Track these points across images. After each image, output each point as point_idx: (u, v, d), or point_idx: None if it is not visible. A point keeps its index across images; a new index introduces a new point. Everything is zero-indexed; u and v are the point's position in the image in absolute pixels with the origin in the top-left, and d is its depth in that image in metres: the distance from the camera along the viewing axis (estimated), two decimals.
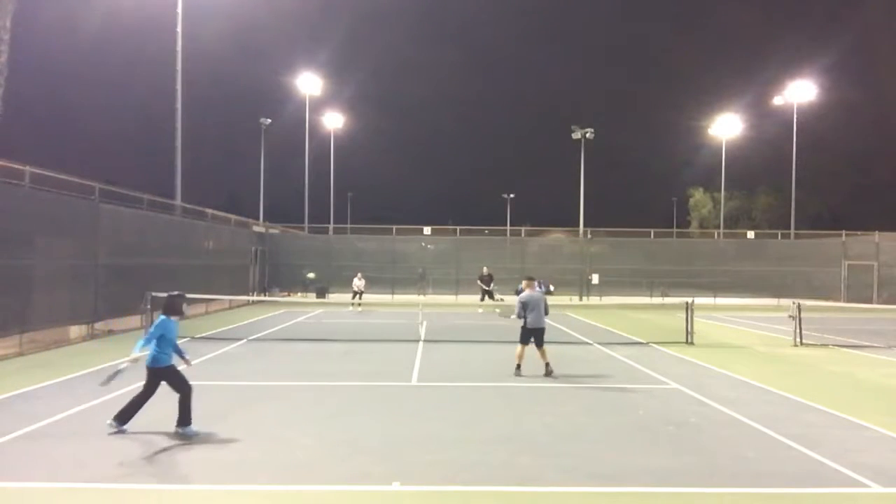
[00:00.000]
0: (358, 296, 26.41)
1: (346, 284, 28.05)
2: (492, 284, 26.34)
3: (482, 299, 25.97)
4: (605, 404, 9.54)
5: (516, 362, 11.67)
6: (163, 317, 7.92)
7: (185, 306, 8.22)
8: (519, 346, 11.68)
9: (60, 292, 14.98)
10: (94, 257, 16.34)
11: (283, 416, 8.57)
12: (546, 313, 11.62)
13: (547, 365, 11.51)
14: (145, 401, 7.68)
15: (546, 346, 11.81)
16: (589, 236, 37.11)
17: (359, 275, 26.82)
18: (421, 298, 26.81)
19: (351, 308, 26.08)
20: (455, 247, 35.54)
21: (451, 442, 7.42)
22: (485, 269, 26.74)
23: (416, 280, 34.01)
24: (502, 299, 30.69)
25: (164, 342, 7.71)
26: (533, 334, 11.55)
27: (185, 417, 7.57)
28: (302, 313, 24.09)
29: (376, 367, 12.47)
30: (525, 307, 11.47)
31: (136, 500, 5.71)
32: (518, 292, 30.79)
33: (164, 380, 7.69)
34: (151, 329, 7.86)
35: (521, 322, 11.71)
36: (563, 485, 6.11)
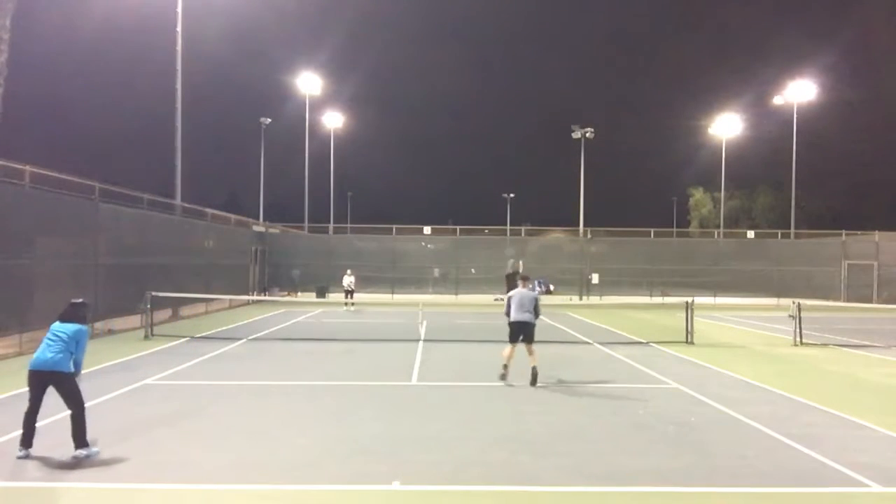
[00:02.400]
0: (350, 294, 26.05)
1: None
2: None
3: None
4: (605, 404, 9.54)
5: (503, 363, 10.87)
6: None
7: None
8: (508, 347, 10.92)
9: (60, 292, 14.93)
10: (94, 257, 16.33)
11: (283, 416, 8.57)
12: (536, 314, 10.93)
13: (533, 368, 10.65)
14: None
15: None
16: (589, 236, 37.12)
17: (348, 271, 26.54)
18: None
19: (345, 308, 25.81)
20: (455, 247, 35.53)
21: (451, 442, 7.42)
22: (511, 265, 25.97)
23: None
24: (502, 299, 30.69)
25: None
26: (520, 330, 10.85)
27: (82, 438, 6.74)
28: (301, 313, 24.09)
29: (376, 367, 12.46)
30: (510, 301, 11.04)
31: (136, 499, 5.71)
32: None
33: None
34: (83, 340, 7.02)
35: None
36: (563, 485, 6.11)
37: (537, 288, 33.13)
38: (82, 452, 6.60)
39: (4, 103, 16.80)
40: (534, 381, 10.55)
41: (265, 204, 48.11)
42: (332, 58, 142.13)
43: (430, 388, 10.64)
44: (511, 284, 25.42)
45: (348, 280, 26.18)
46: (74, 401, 6.73)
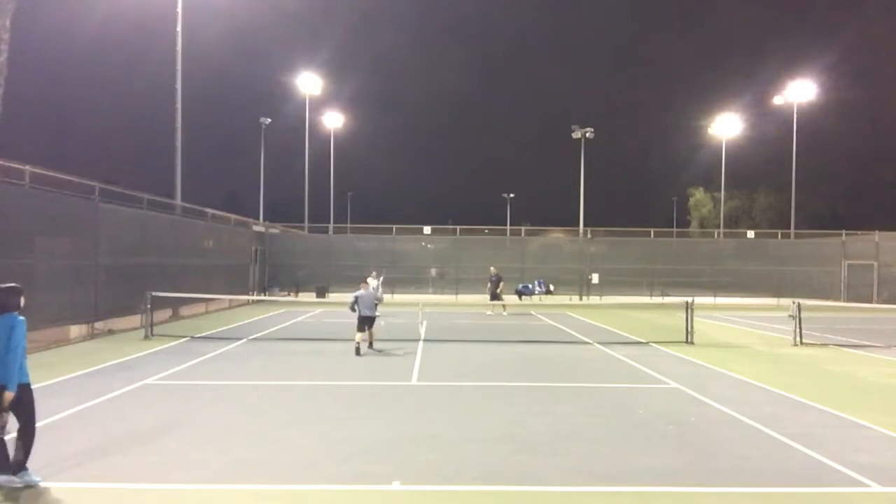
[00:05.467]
0: None
1: (345, 284, 27.92)
2: (501, 285, 25.10)
3: (492, 299, 25.08)
4: (605, 404, 9.54)
5: (355, 345, 13.77)
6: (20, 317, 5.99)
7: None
8: (357, 334, 13.90)
9: (60, 292, 14.96)
10: (94, 257, 16.33)
11: (283, 416, 8.57)
12: (376, 307, 14.66)
13: (371, 344, 14.37)
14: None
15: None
16: (589, 236, 37.11)
17: (373, 273, 24.97)
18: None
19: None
20: (455, 247, 35.53)
21: (451, 442, 7.42)
22: (492, 269, 25.57)
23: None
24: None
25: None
26: (366, 321, 14.12)
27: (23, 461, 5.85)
28: (301, 313, 24.09)
29: (376, 367, 12.47)
30: (357, 301, 14.18)
31: (136, 499, 5.71)
32: (518, 292, 31.06)
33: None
34: (21, 340, 5.87)
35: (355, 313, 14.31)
36: (563, 484, 6.11)
37: (538, 288, 33.16)
38: (15, 480, 5.75)
39: (4, 103, 16.78)
40: (370, 345, 14.33)
41: (265, 204, 48.09)
42: (332, 58, 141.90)
43: (430, 388, 10.65)
44: (494, 288, 25.11)
45: (374, 283, 24.43)
46: (25, 418, 5.85)
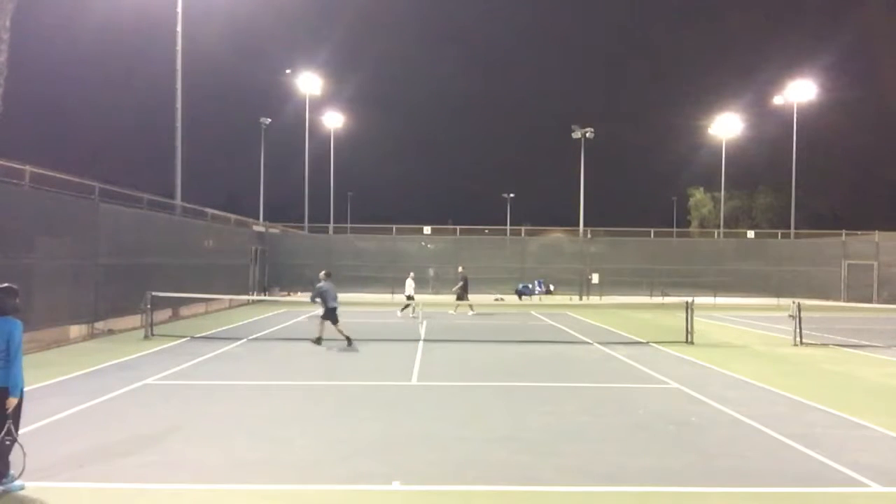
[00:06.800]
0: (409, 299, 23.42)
1: (345, 284, 27.85)
2: (460, 285, 24.70)
3: (458, 299, 24.75)
4: (604, 404, 9.54)
5: (318, 335, 15.14)
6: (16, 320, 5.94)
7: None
8: (324, 323, 15.14)
9: (60, 292, 14.97)
10: (94, 257, 16.33)
11: (283, 416, 8.57)
12: (335, 298, 15.28)
13: (348, 338, 14.96)
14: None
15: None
16: (589, 236, 37.13)
17: (411, 274, 24.36)
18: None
19: (413, 316, 22.30)
20: (455, 247, 35.52)
21: (451, 442, 7.42)
22: (460, 269, 25.37)
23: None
24: (502, 299, 30.71)
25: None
26: (335, 312, 15.10)
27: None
28: (301, 313, 24.07)
29: (376, 367, 12.47)
30: (324, 292, 15.14)
31: (136, 499, 5.70)
32: (517, 291, 31.10)
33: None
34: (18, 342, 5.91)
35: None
36: (563, 484, 6.11)
37: (538, 288, 33.18)
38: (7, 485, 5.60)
39: (4, 103, 16.77)
40: (349, 343, 14.87)
41: (265, 204, 48.10)
42: (332, 58, 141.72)
43: (430, 388, 10.65)
44: (464, 285, 24.91)
45: (412, 284, 23.90)
46: (10, 421, 5.66)
